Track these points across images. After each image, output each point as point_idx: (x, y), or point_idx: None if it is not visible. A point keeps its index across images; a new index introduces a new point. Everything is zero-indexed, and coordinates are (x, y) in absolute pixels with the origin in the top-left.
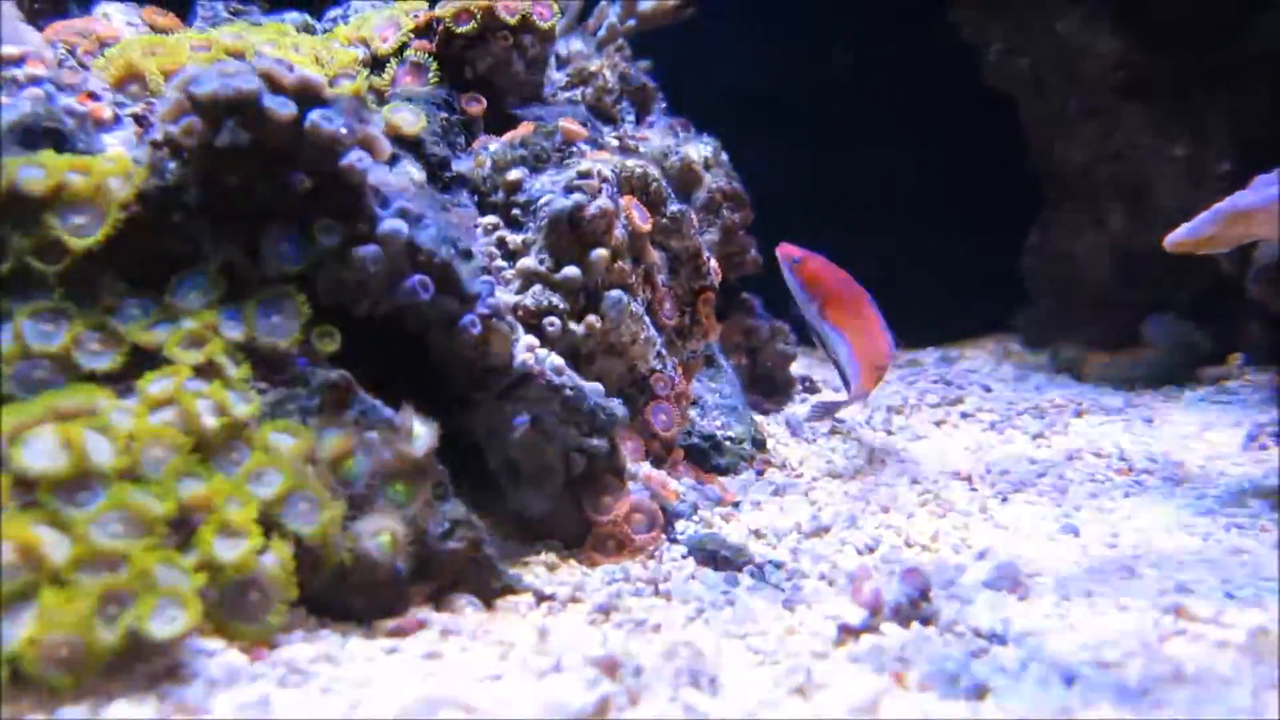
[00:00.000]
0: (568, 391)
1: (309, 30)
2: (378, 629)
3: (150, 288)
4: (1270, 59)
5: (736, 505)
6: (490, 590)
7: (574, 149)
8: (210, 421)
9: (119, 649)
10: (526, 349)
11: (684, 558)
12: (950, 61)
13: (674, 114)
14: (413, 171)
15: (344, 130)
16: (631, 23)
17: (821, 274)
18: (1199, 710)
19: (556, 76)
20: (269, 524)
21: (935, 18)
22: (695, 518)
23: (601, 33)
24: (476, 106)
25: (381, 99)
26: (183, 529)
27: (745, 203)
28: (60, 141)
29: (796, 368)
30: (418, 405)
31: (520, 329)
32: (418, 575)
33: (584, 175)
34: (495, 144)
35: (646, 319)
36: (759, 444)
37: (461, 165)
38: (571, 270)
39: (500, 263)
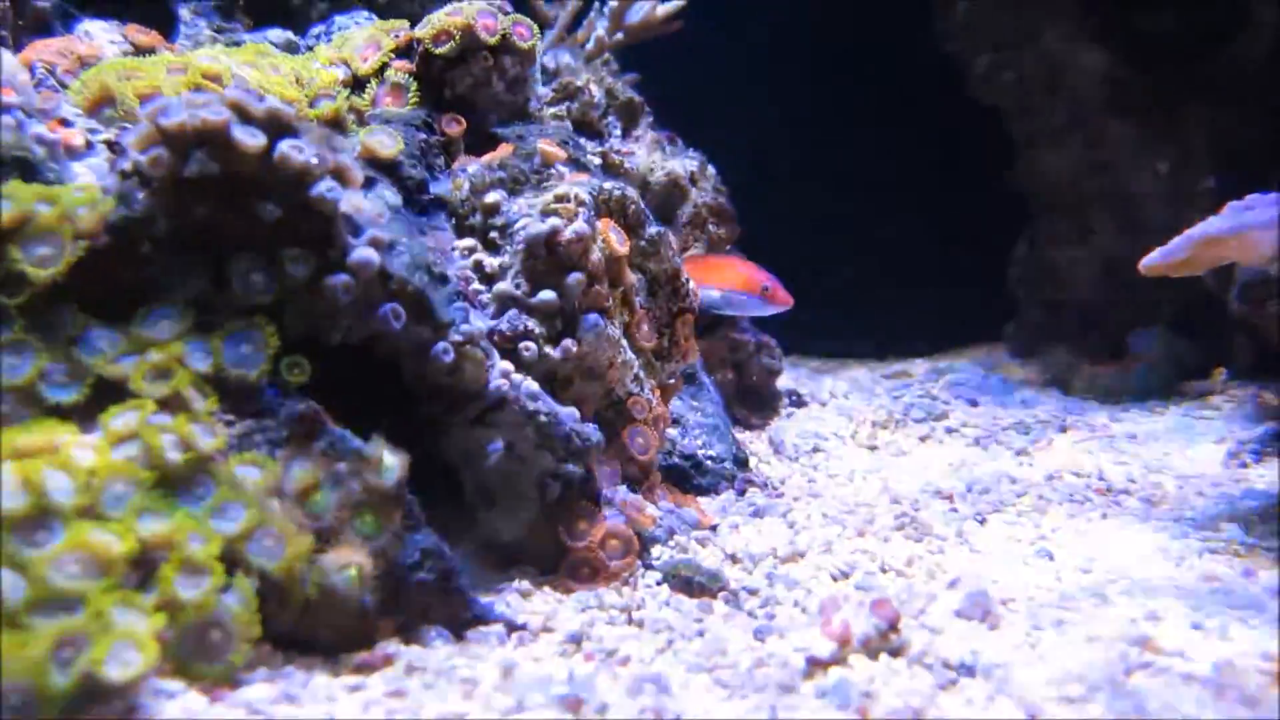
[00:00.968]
0: (542, 417)
1: (292, 48)
2: (344, 664)
3: (119, 319)
4: (1252, 75)
5: (714, 529)
6: (461, 621)
7: (552, 171)
8: (174, 456)
9: (74, 693)
10: (501, 374)
11: (659, 584)
12: (941, 73)
13: (662, 128)
14: (388, 196)
15: (314, 160)
16: (619, 36)
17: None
18: None
19: (542, 92)
20: (234, 560)
21: (925, 29)
22: (671, 543)
23: (589, 46)
24: (456, 128)
25: (362, 119)
26: (144, 567)
27: (731, 217)
28: (29, 171)
29: (783, 381)
30: (395, 430)
31: (496, 354)
32: (387, 607)
33: (561, 199)
34: (474, 166)
35: (624, 342)
36: (741, 463)
37: (439, 188)
38: (548, 294)
39: (477, 286)
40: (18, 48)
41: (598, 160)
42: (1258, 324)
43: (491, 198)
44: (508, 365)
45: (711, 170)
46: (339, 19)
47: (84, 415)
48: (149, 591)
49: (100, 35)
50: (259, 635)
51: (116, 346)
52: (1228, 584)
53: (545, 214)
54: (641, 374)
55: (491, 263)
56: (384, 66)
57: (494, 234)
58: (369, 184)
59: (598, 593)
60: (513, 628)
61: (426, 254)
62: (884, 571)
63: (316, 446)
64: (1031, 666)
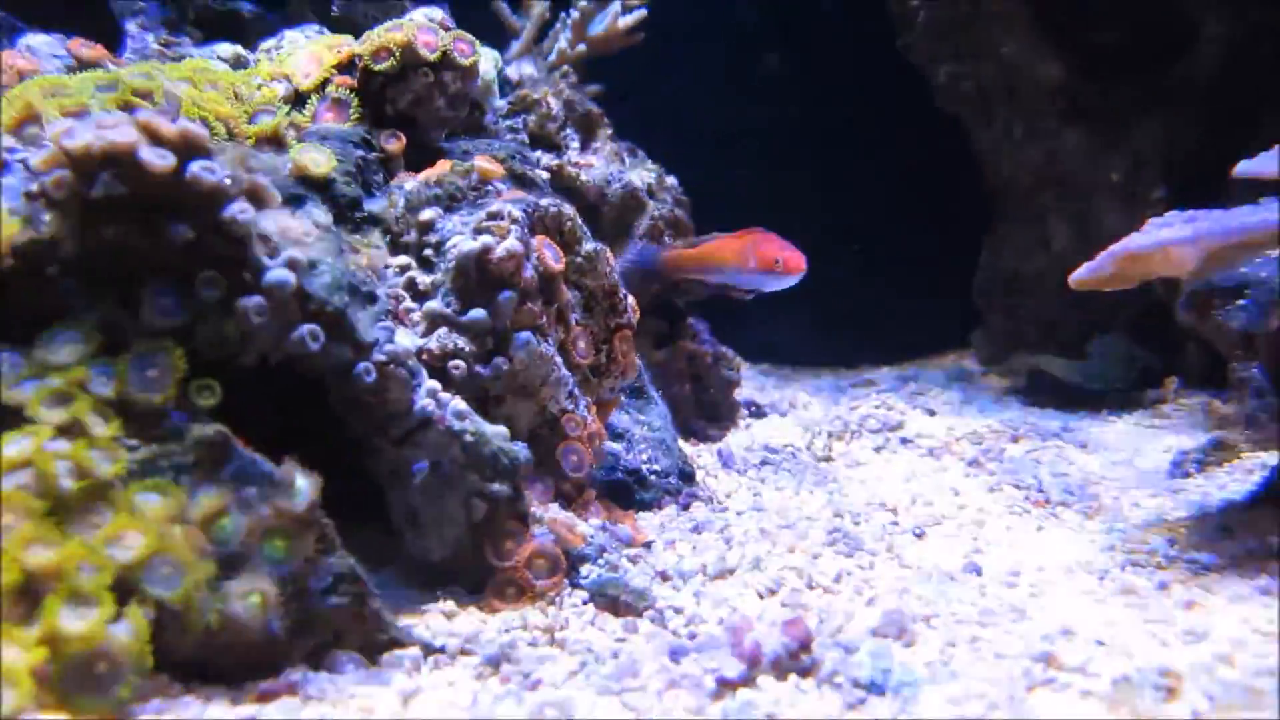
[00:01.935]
0: (468, 436)
1: (240, 62)
2: (247, 692)
3: (24, 343)
4: (1202, 86)
5: (648, 546)
6: (376, 645)
7: (489, 188)
8: (68, 484)
9: None
10: (428, 394)
11: (585, 604)
12: (907, 83)
13: (622, 139)
14: (318, 214)
15: (227, 181)
16: (582, 48)
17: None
18: None
19: (499, 104)
20: (129, 589)
21: (891, 39)
22: (602, 561)
23: (552, 57)
24: (395, 144)
25: (302, 135)
26: (31, 599)
27: (689, 229)
28: None
29: (747, 391)
30: (322, 450)
31: (423, 373)
32: (297, 633)
33: (494, 216)
34: (411, 183)
35: (558, 359)
36: (687, 477)
37: (375, 204)
38: (478, 313)
39: (410, 304)
40: None
41: (547, 175)
42: (1203, 333)
43: (426, 215)
44: (435, 384)
45: (672, 181)
46: (288, 33)
47: None
48: (34, 625)
49: (43, 49)
50: (151, 666)
51: (18, 371)
52: (1142, 597)
53: (477, 232)
54: (577, 390)
55: (425, 280)
56: (326, 82)
57: (429, 251)
58: (298, 202)
59: (522, 613)
60: (430, 650)
61: (352, 273)
62: (811, 588)
63: (225, 471)
64: (940, 685)
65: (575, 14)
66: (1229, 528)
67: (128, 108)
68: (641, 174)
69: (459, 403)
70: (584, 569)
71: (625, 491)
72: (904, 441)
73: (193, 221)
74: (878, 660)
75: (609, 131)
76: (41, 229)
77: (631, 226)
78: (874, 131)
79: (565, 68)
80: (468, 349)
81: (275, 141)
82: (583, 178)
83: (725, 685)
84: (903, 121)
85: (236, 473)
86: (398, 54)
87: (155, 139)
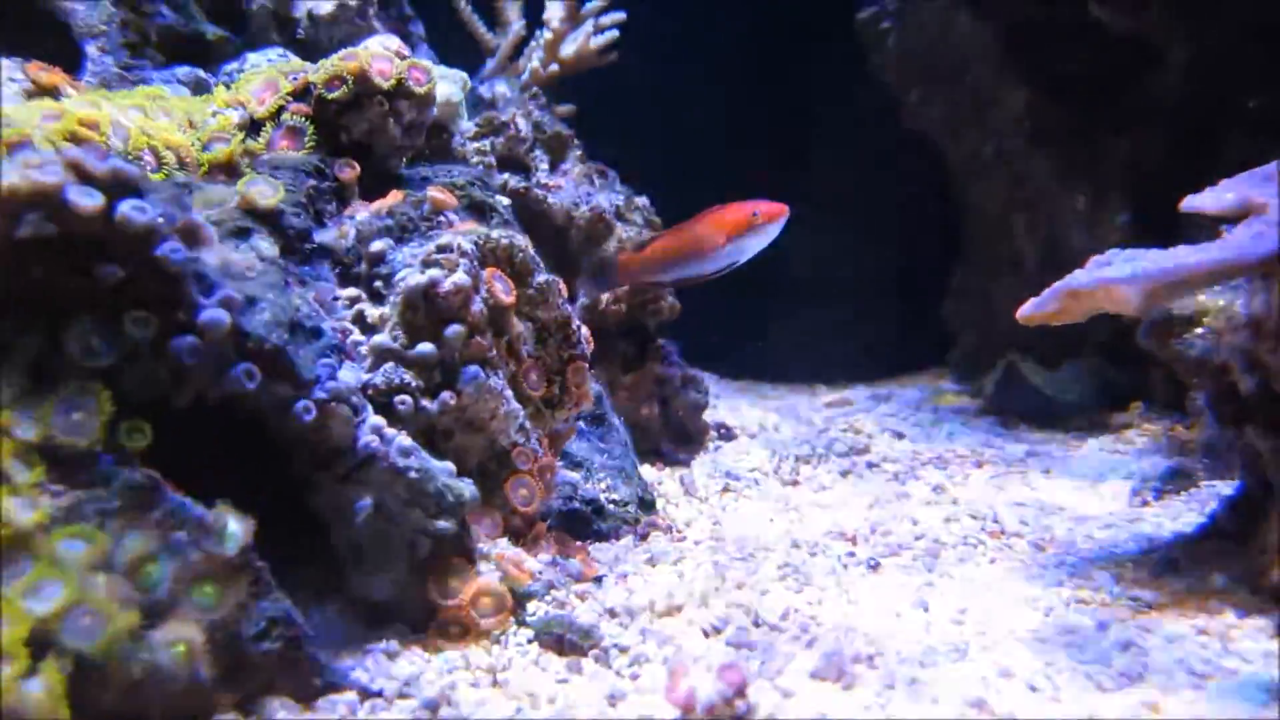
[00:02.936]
0: (413, 474)
1: (201, 86)
2: None
3: None
4: (1165, 111)
5: (599, 580)
6: (310, 690)
7: (441, 218)
8: None
9: None
10: (373, 430)
11: (530, 643)
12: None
13: (593, 160)
14: (264, 247)
15: (160, 220)
16: (554, 68)
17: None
18: None
19: (467, 126)
20: (47, 642)
21: (861, 60)
22: (549, 598)
23: (524, 76)
24: (349, 173)
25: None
26: None
27: None
28: None
29: (720, 412)
30: (265, 489)
31: (368, 409)
32: (227, 680)
33: (443, 249)
34: (362, 213)
35: (508, 392)
36: (647, 505)
37: (326, 235)
38: (426, 347)
39: (358, 337)
40: None
41: (508, 201)
42: (1163, 360)
43: (377, 246)
44: (379, 421)
45: (643, 202)
46: (252, 56)
47: None
48: None
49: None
50: None
51: None
52: (1082, 637)
53: (426, 265)
54: (528, 423)
55: (374, 313)
56: (281, 109)
57: (379, 284)
58: (245, 234)
59: (465, 653)
60: (366, 694)
61: (295, 308)
62: (757, 626)
63: (153, 515)
64: None
65: (548, 34)
66: (1175, 562)
67: (74, 138)
68: (610, 196)
69: (404, 439)
70: (531, 606)
71: (582, 522)
72: (870, 466)
73: (124, 261)
74: (816, 703)
75: (579, 153)
76: None
77: (600, 248)
78: (851, 148)
79: (535, 89)
80: (414, 384)
81: (230, 169)
82: (549, 200)
83: None
84: (881, 140)
85: (166, 517)
86: (351, 82)
87: (84, 178)
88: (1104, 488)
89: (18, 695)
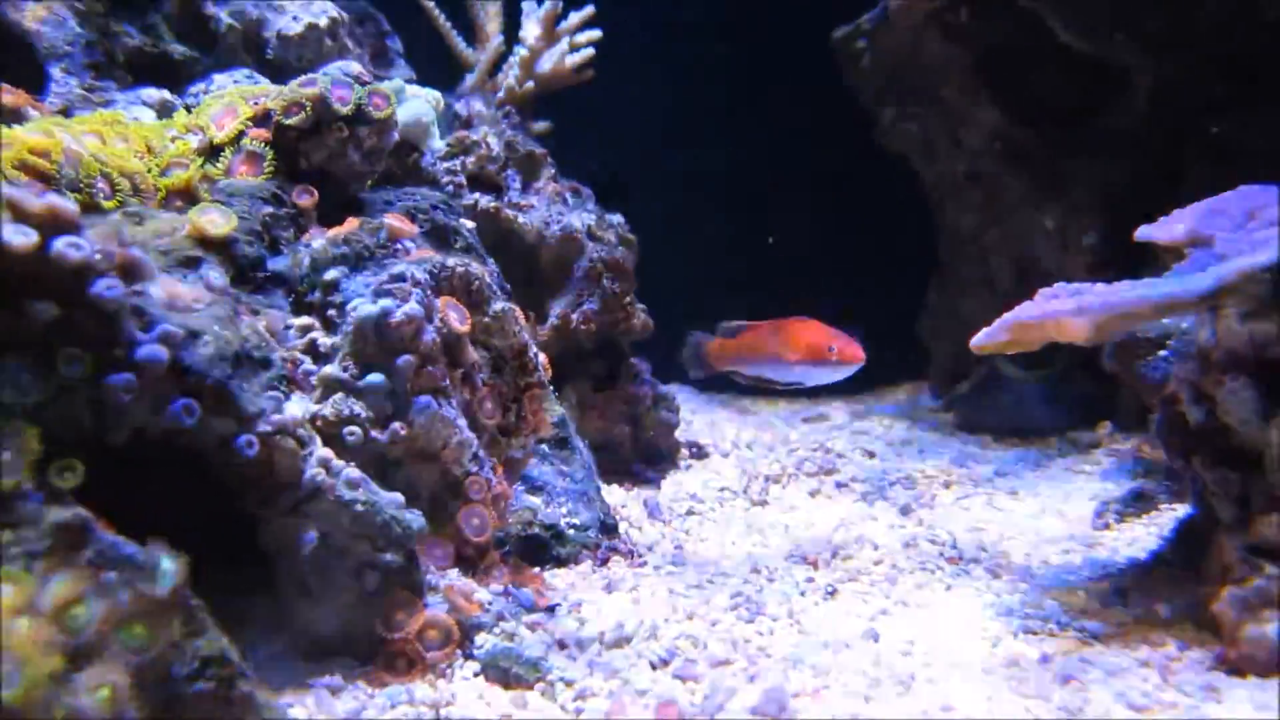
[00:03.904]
0: (359, 506)
1: (166, 107)
2: None
3: None
4: (1132, 133)
5: (551, 610)
6: None
7: (398, 246)
8: None
9: None
10: (319, 462)
11: (476, 675)
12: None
13: (566, 179)
14: (213, 277)
15: (96, 257)
16: (530, 85)
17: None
18: None
19: (439, 146)
20: None
21: (839, 77)
22: (498, 630)
23: (500, 94)
24: (308, 199)
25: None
26: None
27: (627, 272)
28: None
29: (693, 429)
30: (219, 524)
31: (316, 442)
32: None
33: (396, 279)
34: (318, 241)
35: (461, 422)
36: (609, 529)
37: (280, 263)
38: (376, 378)
39: (310, 366)
40: None
41: (472, 224)
42: (1127, 382)
43: (331, 275)
44: (327, 453)
45: (616, 220)
46: (219, 78)
47: None
48: None
49: None
50: None
51: None
52: (1025, 670)
53: (378, 294)
54: (482, 453)
55: (326, 342)
56: (241, 134)
57: (332, 312)
58: (194, 264)
59: (409, 687)
60: None
61: (242, 339)
62: (704, 658)
63: (82, 556)
64: None
65: (523, 51)
66: (1125, 591)
67: (23, 167)
68: (582, 215)
69: (352, 471)
70: (479, 638)
71: (541, 547)
72: (839, 486)
73: (58, 299)
74: None
75: (552, 171)
76: None
77: (571, 268)
78: (838, 166)
79: (508, 107)
80: (364, 415)
81: (188, 195)
82: (520, 220)
83: None
84: (864, 156)
85: (96, 557)
86: (309, 108)
87: (19, 215)
88: (1069, 509)
89: None
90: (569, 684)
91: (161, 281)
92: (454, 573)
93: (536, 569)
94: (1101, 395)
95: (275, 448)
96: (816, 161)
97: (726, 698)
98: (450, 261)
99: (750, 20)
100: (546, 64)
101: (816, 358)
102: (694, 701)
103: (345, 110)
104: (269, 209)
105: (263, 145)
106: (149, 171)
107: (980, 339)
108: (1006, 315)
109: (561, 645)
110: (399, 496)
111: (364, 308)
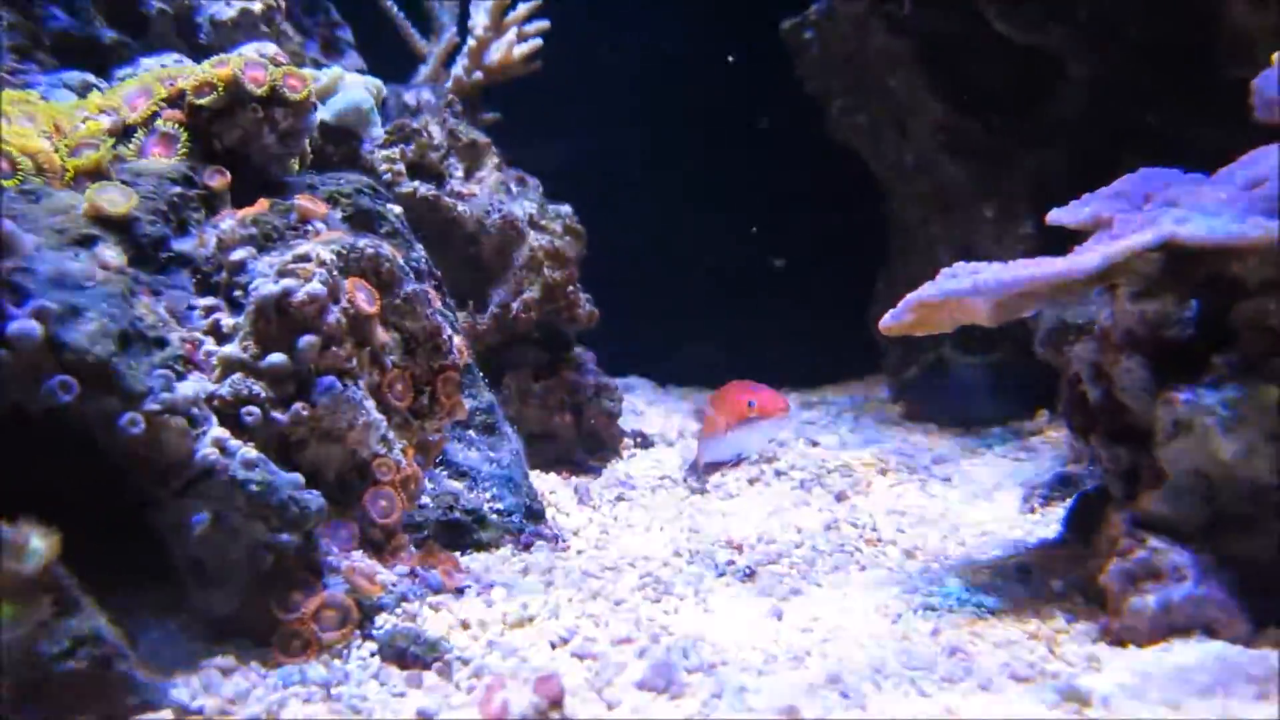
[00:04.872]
0: (253, 486)
1: (89, 91)
2: None
3: None
4: (1068, 125)
5: (460, 592)
6: (122, 709)
7: (308, 227)
8: None
9: None
10: (214, 442)
11: (373, 656)
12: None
13: (513, 168)
14: (108, 255)
15: None
16: (478, 75)
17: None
18: None
19: (377, 133)
20: None
21: (788, 68)
22: (399, 610)
23: (448, 84)
24: (220, 180)
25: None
26: None
27: (568, 261)
28: None
29: (639, 422)
30: (103, 504)
31: (211, 421)
32: (28, 701)
33: (300, 259)
34: (226, 221)
35: (368, 403)
36: (535, 515)
37: (184, 244)
38: (277, 358)
39: (211, 347)
40: None
41: (399, 210)
42: (1059, 368)
43: (238, 255)
44: (223, 433)
45: (563, 210)
46: (145, 61)
47: None
48: None
49: None
50: None
51: None
52: (915, 645)
53: (281, 274)
54: (391, 435)
55: (229, 323)
56: (154, 115)
57: (238, 293)
58: (88, 242)
59: (302, 668)
60: (185, 713)
61: (135, 318)
62: (603, 637)
63: None
64: None
65: (472, 41)
66: (1028, 568)
67: None
68: (525, 204)
69: (249, 450)
70: (380, 619)
71: (463, 532)
72: (778, 474)
73: None
74: (640, 715)
75: (496, 160)
76: None
77: (511, 257)
78: (784, 156)
79: (451, 96)
80: (264, 395)
81: (98, 175)
82: (460, 208)
83: None
84: (814, 146)
85: None
86: (221, 88)
87: None
88: (1000, 495)
89: None
90: (466, 663)
91: (50, 258)
92: (357, 554)
93: (457, 553)
94: (1044, 384)
95: (163, 426)
96: (772, 154)
97: (616, 673)
98: (361, 243)
99: (703, 9)
100: (495, 55)
101: (741, 417)
102: (586, 678)
103: (259, 91)
104: (177, 189)
105: (176, 126)
106: (55, 151)
107: (887, 320)
108: (910, 296)
109: (465, 625)
110: (298, 477)
111: (265, 287)
